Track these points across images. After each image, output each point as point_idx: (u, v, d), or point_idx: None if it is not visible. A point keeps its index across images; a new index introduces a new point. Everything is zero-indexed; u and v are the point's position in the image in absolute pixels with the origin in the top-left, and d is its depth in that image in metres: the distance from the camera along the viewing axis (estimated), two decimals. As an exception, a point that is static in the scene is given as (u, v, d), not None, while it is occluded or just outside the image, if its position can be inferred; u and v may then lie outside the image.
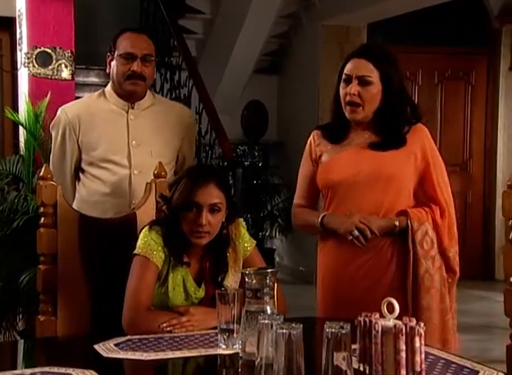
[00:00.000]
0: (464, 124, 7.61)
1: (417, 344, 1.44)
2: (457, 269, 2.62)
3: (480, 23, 7.53)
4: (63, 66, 4.49)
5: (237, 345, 2.11)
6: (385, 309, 1.51)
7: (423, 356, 1.47)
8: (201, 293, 2.41)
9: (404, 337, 1.44)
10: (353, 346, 1.79)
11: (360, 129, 2.64)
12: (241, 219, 2.54)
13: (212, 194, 2.35)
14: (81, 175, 3.10)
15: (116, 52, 3.01)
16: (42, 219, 2.55)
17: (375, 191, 2.57)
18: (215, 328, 2.28)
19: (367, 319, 1.51)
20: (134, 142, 3.04)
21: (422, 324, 1.47)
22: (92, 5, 7.57)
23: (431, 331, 2.45)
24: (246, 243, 2.50)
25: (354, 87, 2.55)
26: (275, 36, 7.42)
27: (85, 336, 2.47)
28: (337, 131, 2.68)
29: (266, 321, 1.85)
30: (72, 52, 4.52)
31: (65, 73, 4.49)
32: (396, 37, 7.18)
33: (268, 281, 2.03)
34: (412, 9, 6.58)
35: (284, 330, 1.75)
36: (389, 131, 2.59)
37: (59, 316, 2.54)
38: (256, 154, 7.58)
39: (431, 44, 7.35)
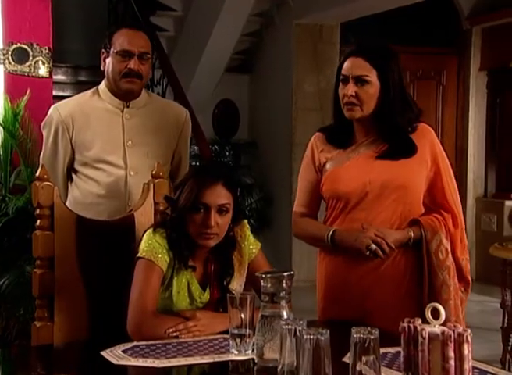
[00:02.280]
0: (435, 124, 7.64)
1: (466, 352, 1.40)
2: (469, 277, 2.55)
3: (451, 24, 7.57)
4: (40, 62, 4.36)
5: (250, 351, 2.06)
6: (429, 315, 1.46)
7: (470, 364, 1.42)
8: (206, 297, 2.35)
9: (453, 344, 1.39)
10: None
11: (364, 130, 2.55)
12: (245, 221, 2.47)
13: (221, 195, 2.29)
14: (74, 176, 3.00)
15: (112, 49, 2.91)
16: (38, 221, 2.45)
17: (387, 201, 2.47)
18: (222, 333, 2.23)
19: (411, 326, 1.45)
20: (130, 142, 2.95)
21: (469, 330, 1.42)
22: (59, 2, 7.42)
23: None
24: (251, 245, 2.44)
25: (351, 88, 2.46)
26: (247, 34, 7.36)
27: (88, 342, 2.39)
28: (341, 134, 2.58)
29: (289, 326, 1.80)
30: (49, 49, 4.40)
31: (43, 71, 4.37)
32: (368, 36, 7.17)
33: (284, 285, 1.98)
34: (385, 9, 6.60)
35: (312, 336, 1.70)
36: (396, 137, 2.50)
37: (56, 322, 2.45)
38: (227, 153, 7.51)
39: (402, 44, 7.35)
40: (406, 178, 2.47)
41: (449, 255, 2.47)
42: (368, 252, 2.42)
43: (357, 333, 1.71)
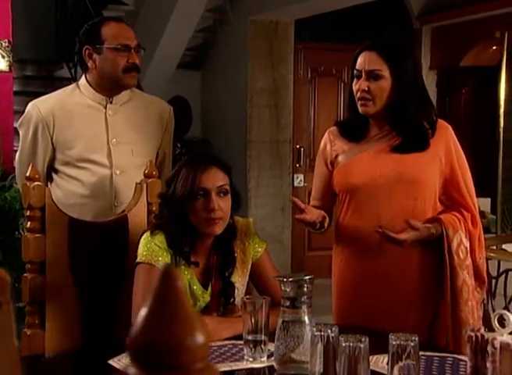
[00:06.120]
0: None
1: (537, 361, 1.34)
2: (485, 276, 2.51)
3: (401, 23, 7.61)
4: (0, 56, 4.19)
5: (265, 358, 1.99)
6: (496, 323, 1.40)
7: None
8: (208, 296, 2.27)
9: (526, 353, 1.33)
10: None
11: (378, 124, 2.52)
12: (251, 219, 2.41)
13: (217, 177, 2.23)
14: (54, 175, 2.85)
15: (106, 44, 2.76)
16: (29, 223, 2.33)
17: (397, 195, 2.43)
18: (228, 339, 2.15)
19: (478, 335, 1.39)
20: (114, 140, 2.82)
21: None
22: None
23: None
24: (256, 244, 2.36)
25: (364, 83, 2.45)
26: (200, 30, 7.22)
27: (84, 351, 2.27)
28: (355, 128, 2.55)
29: (321, 332, 1.73)
30: (9, 42, 4.24)
31: (3, 65, 4.21)
32: (321, 34, 7.17)
33: (304, 289, 1.91)
34: (339, 7, 6.57)
35: (351, 343, 1.64)
36: (410, 130, 2.46)
37: (47, 329, 2.33)
38: (179, 151, 7.37)
39: (354, 42, 7.34)
40: (417, 172, 2.44)
41: (469, 254, 2.43)
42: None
43: (396, 340, 1.66)
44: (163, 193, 2.32)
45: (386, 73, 2.44)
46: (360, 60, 2.47)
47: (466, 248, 2.43)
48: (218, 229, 2.22)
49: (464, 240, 2.43)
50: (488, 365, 1.36)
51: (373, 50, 2.46)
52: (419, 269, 2.46)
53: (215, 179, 2.22)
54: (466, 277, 2.41)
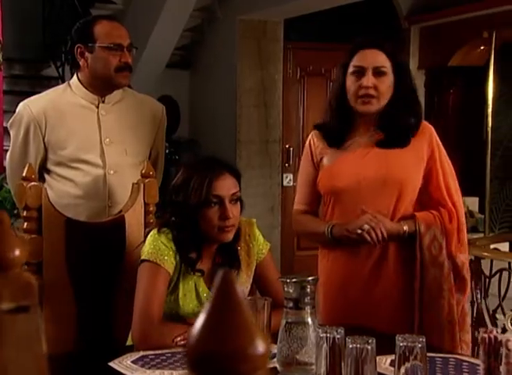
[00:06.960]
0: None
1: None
2: (468, 277, 2.47)
3: (390, 23, 7.62)
4: (-10, 55, 4.15)
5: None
6: (509, 324, 1.39)
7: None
8: None
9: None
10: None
11: (366, 124, 2.49)
12: (254, 220, 2.39)
13: (230, 184, 2.20)
14: (46, 176, 2.80)
15: (98, 43, 2.73)
16: (25, 224, 2.30)
17: (381, 197, 2.42)
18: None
19: (491, 336, 1.38)
20: (108, 140, 2.79)
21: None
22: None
23: (440, 342, 2.31)
24: (260, 245, 2.35)
25: (371, 80, 2.40)
26: (188, 29, 7.20)
27: (82, 353, 2.25)
28: (337, 132, 2.52)
29: (327, 334, 1.72)
30: (-1, 41, 4.18)
31: (-7, 64, 4.15)
32: (310, 34, 7.17)
33: (308, 290, 1.89)
34: (327, 7, 6.57)
35: (358, 345, 1.62)
36: (394, 126, 2.45)
37: (44, 330, 2.29)
38: (167, 151, 7.33)
39: (343, 42, 7.34)
40: (401, 174, 2.43)
41: (443, 251, 2.41)
42: (359, 231, 2.34)
43: (403, 342, 1.65)
44: (172, 200, 2.23)
45: (389, 70, 2.44)
46: (361, 57, 2.44)
47: (440, 244, 2.41)
48: (231, 236, 2.21)
49: (439, 236, 2.41)
50: (502, 367, 1.35)
51: (375, 47, 2.45)
52: (398, 267, 2.44)
53: (229, 186, 2.20)
54: (438, 275, 2.39)
